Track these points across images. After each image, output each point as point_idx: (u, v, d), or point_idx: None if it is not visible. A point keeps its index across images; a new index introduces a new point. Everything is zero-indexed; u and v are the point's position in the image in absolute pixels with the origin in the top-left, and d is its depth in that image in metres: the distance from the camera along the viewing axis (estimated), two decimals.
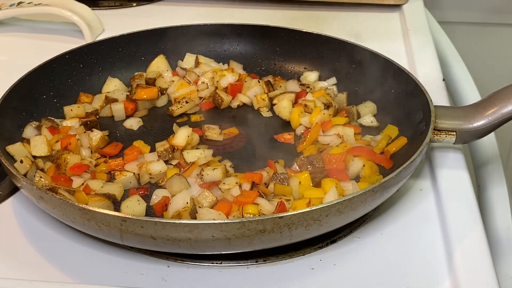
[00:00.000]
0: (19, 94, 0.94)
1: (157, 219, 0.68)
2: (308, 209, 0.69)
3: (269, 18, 1.19)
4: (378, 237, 0.80)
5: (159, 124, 1.00)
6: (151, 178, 0.86)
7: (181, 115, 1.02)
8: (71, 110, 0.98)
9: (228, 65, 1.12)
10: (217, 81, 1.06)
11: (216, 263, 0.75)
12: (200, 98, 1.05)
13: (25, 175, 0.84)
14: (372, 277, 0.74)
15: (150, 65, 1.10)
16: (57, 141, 0.91)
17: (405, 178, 0.80)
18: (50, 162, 0.88)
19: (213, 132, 0.96)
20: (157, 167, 0.87)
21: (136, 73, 1.09)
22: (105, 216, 0.70)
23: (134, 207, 0.80)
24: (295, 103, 1.01)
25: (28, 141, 0.90)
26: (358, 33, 1.26)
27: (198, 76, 1.07)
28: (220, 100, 1.04)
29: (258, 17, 1.23)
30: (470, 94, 1.18)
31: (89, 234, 0.77)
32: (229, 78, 1.06)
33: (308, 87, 1.04)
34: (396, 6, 1.38)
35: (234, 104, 1.05)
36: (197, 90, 1.05)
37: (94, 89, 1.06)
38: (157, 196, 0.82)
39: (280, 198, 0.79)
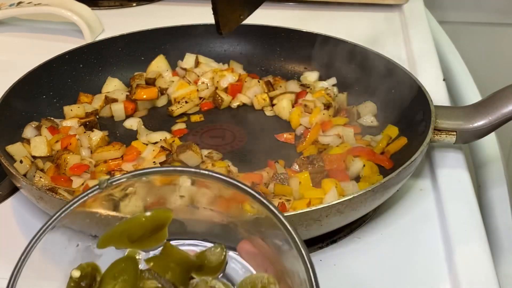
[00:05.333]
0: (19, 94, 0.94)
1: None
2: (308, 209, 0.69)
3: (269, 18, 1.19)
4: (378, 237, 0.80)
5: (159, 124, 1.00)
6: None
7: (181, 115, 1.02)
8: (71, 110, 0.98)
9: (228, 65, 1.11)
10: (217, 81, 1.06)
11: None
12: (200, 98, 1.05)
13: (24, 175, 0.84)
14: (372, 277, 0.74)
15: (150, 65, 1.10)
16: (57, 141, 0.91)
17: (405, 178, 0.80)
18: (50, 162, 0.88)
19: None
20: None
21: (136, 73, 1.09)
22: (105, 216, 0.69)
23: (133, 207, 0.80)
24: (295, 103, 1.01)
25: (28, 141, 0.90)
26: (358, 33, 1.26)
27: (198, 76, 1.07)
28: (220, 100, 1.04)
29: (258, 17, 1.22)
30: (471, 94, 1.17)
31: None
32: (229, 78, 1.06)
33: (308, 87, 1.04)
34: (396, 6, 1.38)
35: (234, 104, 1.05)
36: (197, 90, 1.05)
37: (94, 89, 1.06)
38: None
39: (280, 198, 0.79)
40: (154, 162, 0.88)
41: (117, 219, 0.52)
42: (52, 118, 0.97)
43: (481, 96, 1.15)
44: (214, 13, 0.78)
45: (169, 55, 1.12)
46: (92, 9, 1.30)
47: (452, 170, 0.88)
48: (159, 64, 1.10)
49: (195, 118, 1.01)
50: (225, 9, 0.79)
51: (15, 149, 0.87)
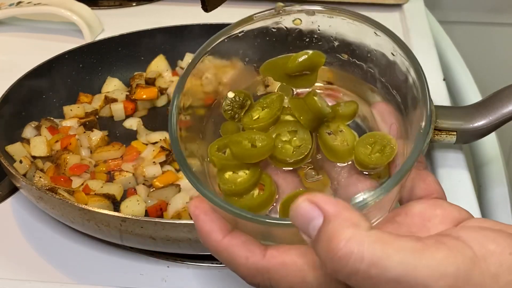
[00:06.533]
0: (18, 94, 0.94)
1: (156, 219, 0.68)
2: None
3: None
4: None
5: (159, 124, 1.00)
6: (145, 180, 0.86)
7: None
8: (71, 110, 0.98)
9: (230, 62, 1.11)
10: (219, 77, 1.06)
11: (216, 263, 0.75)
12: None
13: (24, 175, 0.84)
14: None
15: (149, 65, 1.10)
16: (56, 141, 0.91)
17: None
18: (50, 162, 0.88)
19: None
20: (152, 170, 0.86)
21: (136, 73, 1.09)
22: (104, 216, 0.70)
23: (133, 207, 0.80)
24: None
25: (27, 141, 0.90)
26: None
27: None
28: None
29: None
30: (471, 94, 1.17)
31: (89, 234, 0.77)
32: (229, 75, 1.05)
33: None
34: (396, 6, 1.38)
35: None
36: (201, 84, 1.04)
37: (94, 89, 1.06)
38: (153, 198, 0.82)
39: None
40: (154, 162, 0.87)
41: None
42: (52, 118, 0.97)
43: (481, 96, 1.15)
44: None
45: (169, 55, 1.11)
46: (92, 9, 1.30)
47: (452, 170, 0.88)
48: (159, 64, 1.10)
49: None
50: None
51: (14, 149, 0.87)
